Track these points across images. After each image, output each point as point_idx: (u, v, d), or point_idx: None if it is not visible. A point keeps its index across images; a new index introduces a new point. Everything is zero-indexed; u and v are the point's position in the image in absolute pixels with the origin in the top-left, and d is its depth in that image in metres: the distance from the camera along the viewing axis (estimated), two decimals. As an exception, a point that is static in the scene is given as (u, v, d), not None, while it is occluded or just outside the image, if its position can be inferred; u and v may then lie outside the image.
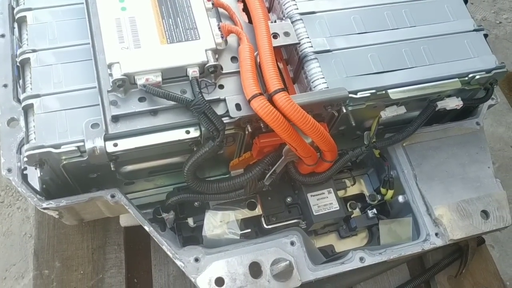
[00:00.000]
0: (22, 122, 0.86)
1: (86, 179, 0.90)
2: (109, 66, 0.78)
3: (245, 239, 0.90)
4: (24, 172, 0.86)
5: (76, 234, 1.09)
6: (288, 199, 0.99)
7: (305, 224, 0.98)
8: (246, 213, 0.94)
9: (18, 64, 0.86)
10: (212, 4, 0.88)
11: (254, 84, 0.80)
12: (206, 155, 0.81)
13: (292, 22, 0.95)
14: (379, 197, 1.04)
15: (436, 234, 0.94)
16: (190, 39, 0.82)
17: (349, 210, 1.02)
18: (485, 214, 0.97)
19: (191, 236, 0.96)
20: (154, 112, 0.80)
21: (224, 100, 0.83)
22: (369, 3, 1.01)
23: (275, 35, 0.91)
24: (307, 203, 0.95)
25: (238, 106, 0.82)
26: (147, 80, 0.78)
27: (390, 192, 1.01)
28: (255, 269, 0.85)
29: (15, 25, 0.91)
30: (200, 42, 0.82)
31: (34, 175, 0.84)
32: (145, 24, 0.82)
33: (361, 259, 0.90)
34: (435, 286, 1.19)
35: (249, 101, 0.80)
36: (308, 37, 0.94)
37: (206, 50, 0.82)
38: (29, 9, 0.89)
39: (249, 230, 0.95)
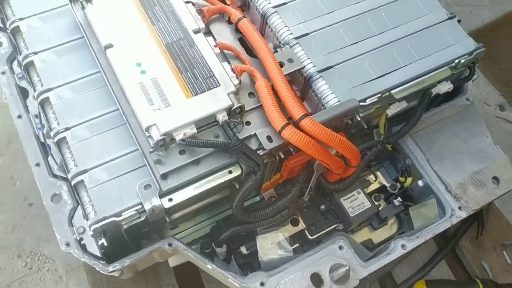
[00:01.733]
0: (64, 196, 0.91)
1: (138, 235, 0.95)
2: (147, 129, 0.83)
3: (298, 254, 0.98)
4: (82, 242, 0.90)
5: (131, 284, 1.13)
6: (322, 207, 1.07)
7: (343, 226, 1.07)
8: (291, 229, 1.02)
9: (54, 143, 0.90)
10: (219, 49, 0.94)
11: (280, 116, 0.87)
12: (251, 189, 0.88)
13: (290, 47, 1.03)
14: (399, 185, 1.14)
15: (460, 208, 1.05)
16: (212, 87, 0.89)
17: (376, 203, 1.11)
18: (495, 180, 1.08)
19: (244, 263, 1.03)
20: (196, 162, 0.86)
21: (255, 135, 0.90)
22: (352, 14, 1.09)
23: (281, 64, 0.98)
24: (342, 207, 1.03)
25: (269, 138, 0.89)
26: (184, 134, 0.84)
27: (409, 180, 1.11)
28: (316, 280, 0.93)
29: (39, 107, 0.94)
30: (221, 87, 0.89)
31: (91, 242, 0.89)
32: (167, 82, 0.88)
33: (403, 246, 0.99)
34: (460, 250, 1.31)
35: (279, 132, 0.87)
36: (309, 58, 1.01)
37: (228, 94, 0.88)
38: (49, 90, 0.93)
39: (297, 245, 1.02)
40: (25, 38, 0.98)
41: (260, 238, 0.98)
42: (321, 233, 1.04)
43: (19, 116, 1.02)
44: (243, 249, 1.00)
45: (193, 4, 0.99)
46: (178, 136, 0.84)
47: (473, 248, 1.30)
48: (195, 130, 0.85)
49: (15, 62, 1.07)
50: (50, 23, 0.99)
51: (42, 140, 0.99)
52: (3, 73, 1.05)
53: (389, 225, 1.15)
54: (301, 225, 1.04)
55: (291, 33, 1.04)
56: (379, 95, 0.99)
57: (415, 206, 1.08)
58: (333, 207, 1.07)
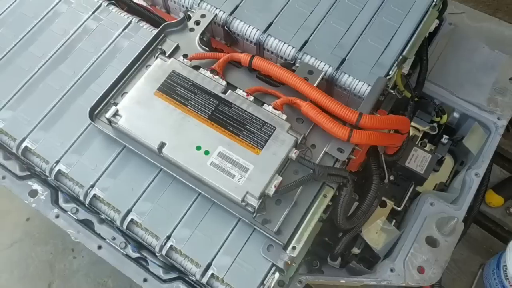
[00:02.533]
0: None
1: None
2: (243, 200, 0.87)
3: (402, 229, 1.06)
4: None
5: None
6: (391, 178, 1.15)
7: (415, 184, 1.15)
8: (383, 212, 1.09)
9: (163, 255, 0.91)
10: (252, 96, 0.97)
11: (341, 127, 0.93)
12: (348, 201, 0.94)
13: (300, 60, 1.07)
14: (436, 126, 1.23)
15: (499, 118, 1.16)
16: (270, 133, 0.92)
17: (429, 150, 1.21)
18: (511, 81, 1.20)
19: (359, 260, 1.10)
20: (295, 204, 0.91)
21: (326, 153, 0.95)
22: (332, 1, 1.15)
23: (306, 79, 1.03)
24: (410, 170, 1.12)
25: (340, 150, 0.95)
26: (275, 187, 0.88)
27: (444, 117, 1.20)
28: (431, 242, 1.02)
29: (126, 231, 0.95)
30: (278, 129, 0.93)
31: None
32: (233, 150, 0.91)
33: (477, 174, 1.10)
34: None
35: (348, 139, 0.93)
36: (321, 62, 1.06)
37: (288, 131, 0.92)
38: (128, 212, 0.94)
39: (394, 222, 1.10)
40: (72, 177, 0.97)
41: (365, 233, 1.05)
42: (405, 200, 1.12)
43: (100, 247, 1.02)
44: (355, 250, 1.07)
45: (200, 67, 1.02)
46: (271, 191, 0.88)
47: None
48: (280, 178, 0.89)
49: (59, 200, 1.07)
50: (85, 153, 0.98)
51: (136, 255, 1.00)
52: (57, 216, 1.04)
53: (445, 163, 1.25)
54: (389, 204, 1.11)
55: (293, 47, 1.09)
56: (396, 62, 1.06)
57: (466, 136, 1.18)
58: (401, 173, 1.15)
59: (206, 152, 0.91)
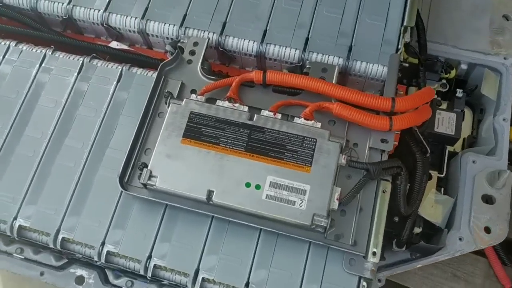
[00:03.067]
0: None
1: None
2: (312, 224, 0.83)
3: (454, 195, 1.06)
4: None
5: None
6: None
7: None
8: (432, 184, 1.09)
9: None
10: (279, 114, 0.93)
11: (379, 117, 0.90)
12: (406, 187, 0.93)
13: (308, 60, 1.03)
14: (446, 82, 1.22)
15: (505, 58, 1.16)
16: (313, 146, 0.89)
17: (445, 108, 1.20)
18: (506, 17, 1.21)
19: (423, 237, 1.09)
20: (360, 209, 0.89)
21: (371, 148, 0.93)
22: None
23: (323, 78, 0.99)
24: (442, 135, 1.11)
25: (383, 140, 0.93)
26: (337, 199, 0.85)
27: (453, 72, 1.19)
28: (486, 199, 1.02)
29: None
30: (320, 139, 0.89)
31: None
32: (284, 176, 0.87)
33: (504, 119, 1.10)
34: None
35: (390, 129, 0.90)
36: (330, 55, 1.03)
37: (329, 139, 0.89)
38: (197, 272, 0.89)
39: (442, 190, 1.10)
40: (124, 254, 0.91)
41: (421, 211, 1.04)
42: (445, 165, 1.12)
43: None
44: (416, 229, 1.06)
45: (215, 99, 0.96)
46: (335, 205, 0.85)
47: None
48: (339, 189, 0.86)
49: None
50: (127, 225, 0.92)
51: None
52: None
53: (465, 116, 1.25)
54: (433, 174, 1.11)
55: (296, 49, 1.04)
56: (400, 35, 1.04)
57: (481, 85, 1.18)
58: (431, 140, 1.14)
59: (257, 187, 0.86)
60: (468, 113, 1.24)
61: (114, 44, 1.14)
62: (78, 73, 1.05)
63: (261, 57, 1.07)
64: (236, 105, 0.94)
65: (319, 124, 0.91)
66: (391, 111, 0.92)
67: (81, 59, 1.07)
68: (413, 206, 0.99)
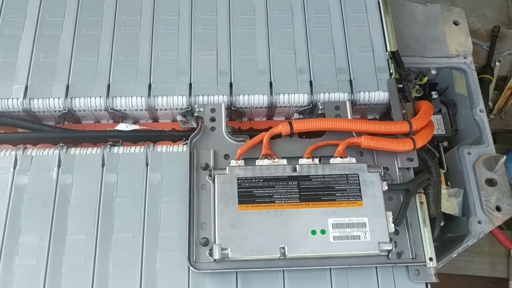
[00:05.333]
0: None
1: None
2: (381, 251, 0.92)
3: (462, 186, 1.21)
4: None
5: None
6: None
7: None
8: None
9: None
10: (315, 158, 1.01)
11: (403, 142, 1.02)
12: (434, 194, 1.05)
13: (323, 104, 1.12)
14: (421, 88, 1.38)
15: (465, 57, 1.35)
16: (357, 181, 0.97)
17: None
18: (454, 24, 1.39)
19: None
20: (410, 224, 0.99)
21: (401, 168, 1.04)
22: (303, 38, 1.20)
23: (339, 115, 1.08)
24: (438, 136, 1.25)
25: (409, 159, 1.04)
26: (393, 223, 0.95)
27: (425, 78, 1.35)
28: (490, 182, 1.18)
29: None
30: (361, 173, 0.98)
31: None
32: (342, 215, 0.94)
33: (481, 110, 1.28)
34: None
35: (413, 149, 1.02)
36: (335, 93, 1.13)
37: (369, 171, 0.98)
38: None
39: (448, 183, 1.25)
40: None
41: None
42: (444, 161, 1.27)
43: None
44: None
45: (254, 159, 1.01)
46: (392, 228, 0.95)
47: None
48: (390, 212, 0.96)
49: None
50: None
51: None
52: None
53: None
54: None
55: (304, 93, 1.12)
56: (389, 61, 1.17)
57: (454, 85, 1.34)
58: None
59: (323, 232, 0.93)
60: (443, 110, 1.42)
61: (123, 126, 1.14)
62: (103, 165, 1.04)
63: (272, 108, 1.14)
64: (276, 160, 1.00)
65: (353, 159, 1.01)
66: (410, 132, 1.04)
67: (100, 150, 1.05)
68: (439, 206, 1.13)
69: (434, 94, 1.36)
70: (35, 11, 1.19)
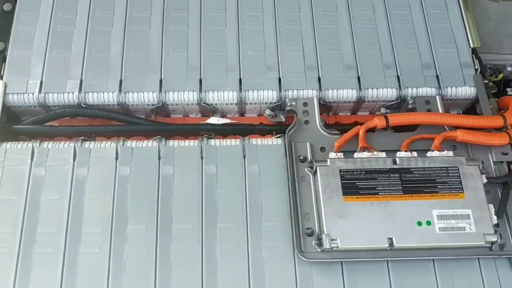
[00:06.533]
0: None
1: None
2: (487, 242, 0.94)
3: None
4: None
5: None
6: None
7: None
8: None
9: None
10: (414, 152, 1.02)
11: (499, 136, 1.04)
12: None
13: (413, 98, 1.13)
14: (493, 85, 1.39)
15: (541, 54, 1.36)
16: (457, 173, 0.99)
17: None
18: None
19: None
20: (510, 216, 1.01)
21: (495, 162, 1.06)
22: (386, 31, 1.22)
23: (430, 110, 1.10)
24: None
25: (504, 153, 1.06)
26: (495, 214, 0.96)
27: (500, 75, 1.36)
28: None
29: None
30: (460, 166, 0.99)
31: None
32: (446, 207, 0.96)
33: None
34: None
35: (509, 143, 1.04)
36: (423, 88, 1.15)
37: (468, 164, 1.00)
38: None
39: None
40: None
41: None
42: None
43: None
44: None
45: (352, 152, 1.03)
46: (495, 220, 0.96)
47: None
48: (491, 205, 0.97)
49: None
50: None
51: None
52: None
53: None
54: None
55: (392, 88, 1.14)
56: (472, 55, 1.19)
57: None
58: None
59: (428, 223, 0.95)
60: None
61: (214, 120, 1.16)
62: (201, 157, 1.06)
63: (359, 102, 1.16)
64: (375, 153, 1.02)
65: (451, 153, 1.02)
66: (504, 126, 1.05)
67: (197, 142, 1.08)
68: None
69: (510, 91, 1.37)
70: (122, 8, 1.22)
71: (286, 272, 0.96)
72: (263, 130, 1.16)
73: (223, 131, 1.15)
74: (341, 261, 0.97)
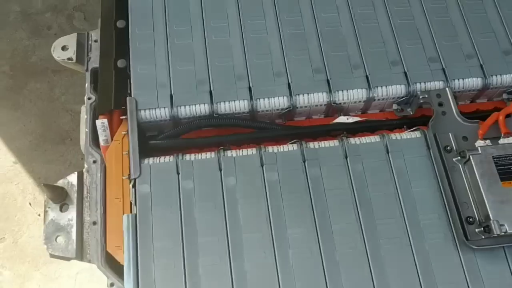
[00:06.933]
0: None
1: None
2: None
3: None
4: None
5: None
6: None
7: None
8: None
9: None
10: None
11: None
12: None
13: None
14: None
15: None
16: None
17: None
18: None
19: None
20: None
21: None
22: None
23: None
24: None
25: None
26: None
27: None
28: None
29: None
30: None
31: None
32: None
33: None
34: None
35: None
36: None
37: None
38: None
39: None
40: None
41: None
42: None
43: None
44: None
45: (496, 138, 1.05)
46: None
47: None
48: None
49: None
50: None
51: None
52: None
53: None
54: None
55: (478, 77, 1.17)
56: None
57: None
58: None
59: None
60: None
61: (343, 119, 1.17)
62: (345, 157, 1.07)
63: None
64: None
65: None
66: None
67: (334, 142, 1.09)
68: None
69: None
70: (235, 16, 1.23)
71: (452, 262, 0.98)
72: (392, 126, 1.17)
73: (354, 130, 1.16)
74: (503, 246, 0.99)
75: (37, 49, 2.11)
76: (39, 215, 1.83)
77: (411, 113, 1.17)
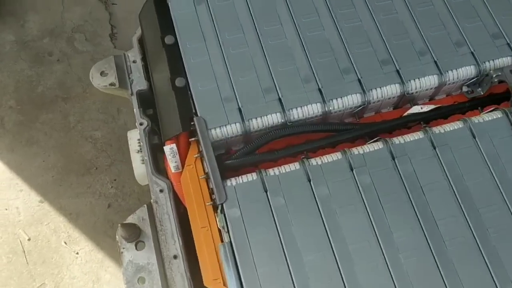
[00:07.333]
0: None
1: None
2: None
3: None
4: None
5: None
6: None
7: None
8: None
9: None
10: None
11: None
12: None
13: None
14: None
15: None
16: None
17: None
18: None
19: None
20: None
21: None
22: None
23: None
24: None
25: None
26: None
27: None
28: None
29: None
30: None
31: None
32: None
33: None
34: None
35: None
36: None
37: None
38: None
39: None
40: None
41: None
42: None
43: None
44: None
45: None
46: None
47: None
48: None
49: None
50: None
51: None
52: None
53: None
54: None
55: None
56: None
57: None
58: None
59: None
60: None
61: (417, 109, 1.13)
62: (434, 148, 1.03)
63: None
64: None
65: None
66: None
67: (418, 135, 1.05)
68: None
69: None
70: (287, 17, 1.17)
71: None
72: (464, 108, 1.14)
73: (427, 118, 1.12)
74: None
75: (41, 78, 1.99)
76: (77, 253, 1.72)
77: (482, 93, 1.14)
